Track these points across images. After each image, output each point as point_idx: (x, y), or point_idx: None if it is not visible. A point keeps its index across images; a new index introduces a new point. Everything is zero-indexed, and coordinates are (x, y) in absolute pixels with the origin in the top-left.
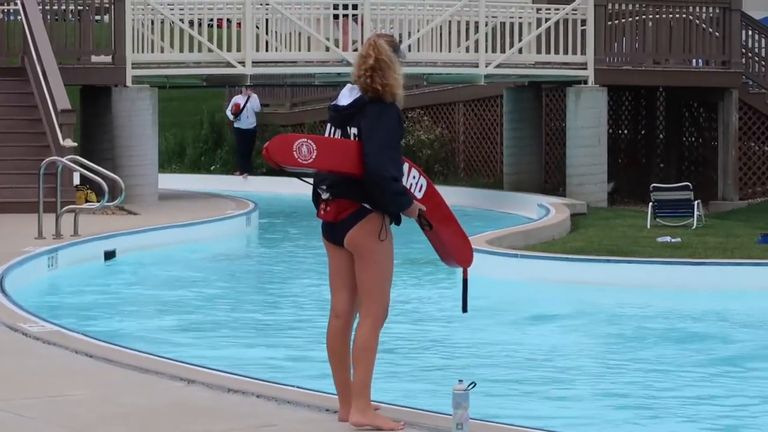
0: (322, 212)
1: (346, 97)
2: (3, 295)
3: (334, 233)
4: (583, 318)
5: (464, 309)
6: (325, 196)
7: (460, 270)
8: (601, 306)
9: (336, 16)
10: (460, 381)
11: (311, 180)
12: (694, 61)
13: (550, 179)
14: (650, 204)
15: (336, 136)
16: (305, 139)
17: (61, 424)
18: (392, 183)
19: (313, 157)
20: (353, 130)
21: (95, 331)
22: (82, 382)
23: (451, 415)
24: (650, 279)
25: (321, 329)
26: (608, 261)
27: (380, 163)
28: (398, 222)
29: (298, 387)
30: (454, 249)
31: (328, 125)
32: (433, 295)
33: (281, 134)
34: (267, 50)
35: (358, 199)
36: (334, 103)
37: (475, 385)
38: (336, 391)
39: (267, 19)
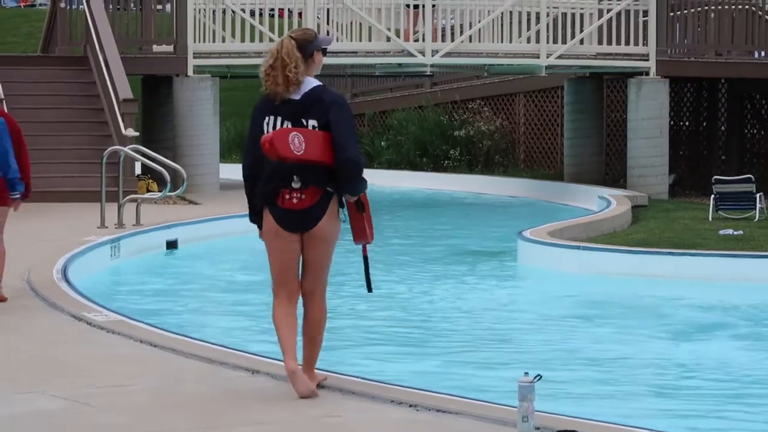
0: (294, 200)
1: (295, 91)
2: (67, 284)
3: (301, 220)
4: (645, 311)
5: (369, 288)
6: (297, 185)
7: (362, 253)
8: (665, 298)
9: (407, 5)
10: (526, 373)
11: None
12: (756, 52)
13: (611, 171)
14: (712, 196)
15: (286, 127)
16: (295, 132)
17: (122, 413)
18: (362, 169)
19: (303, 148)
20: (312, 122)
21: (158, 321)
22: (145, 371)
23: (516, 407)
24: (713, 271)
25: (383, 319)
26: (671, 254)
27: (355, 152)
28: (361, 208)
29: (361, 377)
30: (369, 228)
31: (271, 117)
32: (489, 286)
33: (277, 129)
34: None
35: (323, 186)
36: (287, 97)
37: (541, 377)
38: (285, 353)
39: (328, 9)
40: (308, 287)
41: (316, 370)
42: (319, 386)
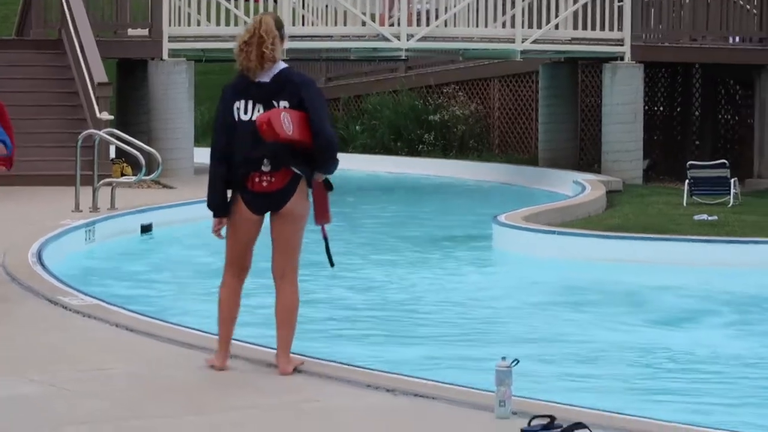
0: (264, 183)
1: (263, 75)
2: (42, 268)
3: (271, 202)
4: (622, 296)
5: (331, 264)
6: (267, 168)
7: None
8: (641, 284)
9: None
10: (503, 358)
11: None
12: (731, 38)
13: (585, 156)
14: (686, 181)
15: (258, 110)
16: (285, 113)
17: (102, 398)
18: (337, 150)
19: (292, 128)
20: (283, 103)
21: (134, 305)
22: (124, 356)
23: (493, 392)
24: (689, 257)
25: (360, 304)
26: (647, 239)
27: (332, 132)
28: (330, 187)
29: (339, 362)
30: (329, 208)
31: (242, 101)
32: (466, 272)
33: (271, 110)
34: (303, 24)
35: (292, 167)
36: (257, 80)
37: (518, 362)
38: (220, 342)
39: None
40: (279, 269)
41: (292, 355)
42: (296, 370)
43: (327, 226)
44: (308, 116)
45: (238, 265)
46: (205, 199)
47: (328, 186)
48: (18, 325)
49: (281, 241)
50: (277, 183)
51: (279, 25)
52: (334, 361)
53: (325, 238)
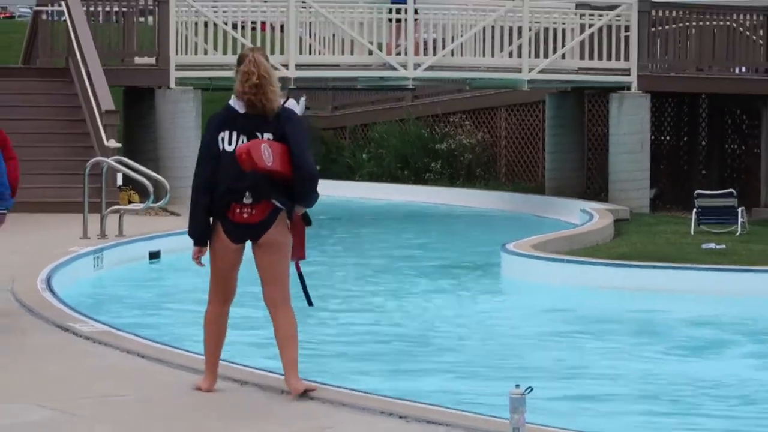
0: (245, 215)
1: (244, 107)
2: (51, 295)
3: (250, 233)
4: (633, 324)
5: (309, 303)
6: (248, 200)
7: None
8: (652, 312)
9: (390, 20)
10: (517, 385)
11: None
12: (737, 68)
13: (592, 185)
14: (694, 210)
15: (241, 141)
16: (265, 144)
17: (114, 423)
18: (317, 183)
19: (272, 159)
20: (267, 135)
21: (143, 332)
22: (133, 382)
23: (507, 419)
24: (698, 285)
25: (372, 333)
26: (656, 267)
27: (313, 166)
28: (308, 222)
29: (351, 389)
30: (304, 244)
31: (227, 132)
32: (476, 300)
33: (251, 141)
34: (310, 53)
35: (273, 200)
36: (243, 112)
37: (532, 389)
38: (207, 365)
39: (310, 23)
40: (270, 299)
41: (306, 381)
42: (308, 395)
43: (302, 263)
44: (290, 149)
45: (222, 293)
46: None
47: (306, 221)
48: (28, 351)
49: (268, 272)
50: (257, 215)
51: (267, 59)
52: (347, 388)
53: (300, 276)
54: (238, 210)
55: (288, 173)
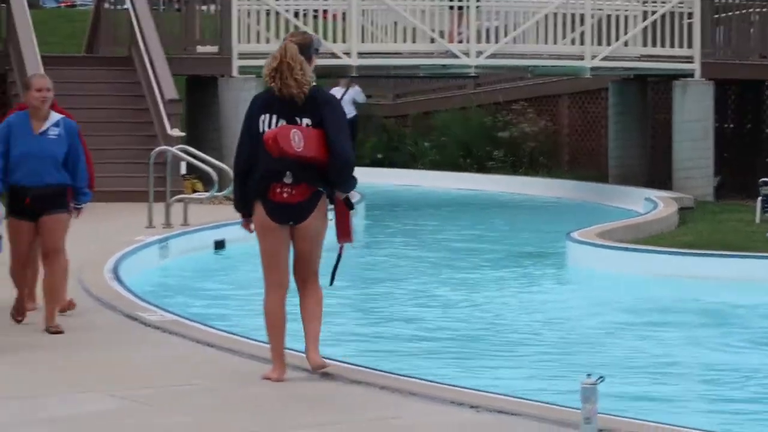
0: (285, 195)
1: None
2: (119, 284)
3: (291, 213)
4: (702, 313)
5: (332, 282)
6: (288, 180)
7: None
8: (720, 301)
9: (451, 8)
10: (588, 375)
11: None
12: None
13: (656, 173)
14: (759, 198)
15: (281, 125)
16: (295, 130)
17: (183, 413)
18: (354, 167)
19: (302, 145)
20: (306, 120)
21: (210, 320)
22: (203, 371)
23: (579, 409)
24: (764, 274)
25: (440, 323)
26: (722, 256)
27: (349, 151)
28: (351, 206)
29: (421, 379)
30: (351, 228)
31: (267, 115)
32: (543, 289)
33: (280, 127)
34: (372, 41)
35: (314, 184)
36: (279, 96)
37: (604, 379)
38: (273, 355)
39: (371, 10)
40: (300, 277)
41: (325, 359)
42: (325, 373)
43: (347, 246)
44: (326, 135)
45: (276, 278)
46: None
47: (348, 205)
48: (97, 340)
49: (301, 254)
50: (297, 196)
51: (304, 48)
52: (416, 378)
53: (339, 258)
54: (278, 189)
55: (323, 158)
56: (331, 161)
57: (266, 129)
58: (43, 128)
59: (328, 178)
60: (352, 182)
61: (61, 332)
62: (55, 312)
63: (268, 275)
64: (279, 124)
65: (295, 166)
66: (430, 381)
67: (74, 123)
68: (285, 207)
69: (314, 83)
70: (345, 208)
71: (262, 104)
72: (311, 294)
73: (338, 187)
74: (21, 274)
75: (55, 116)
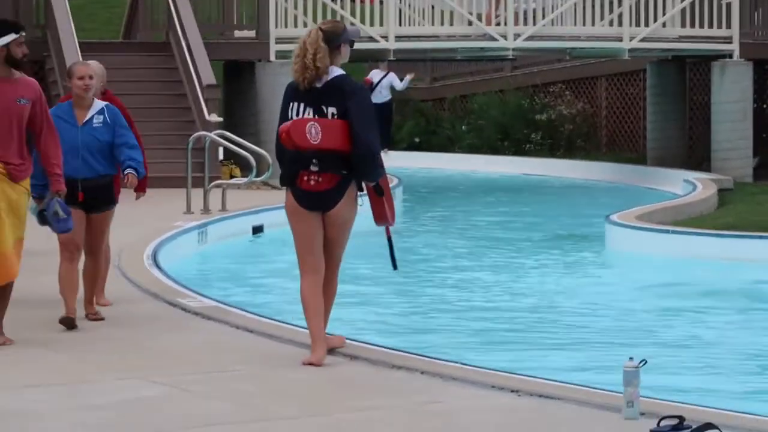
0: (312, 183)
1: (317, 80)
2: (158, 270)
3: (318, 201)
4: (745, 295)
5: (394, 266)
6: (315, 168)
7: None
8: (760, 282)
9: None
10: (631, 358)
11: None
12: None
13: (694, 154)
14: None
15: (308, 114)
16: (312, 122)
17: (225, 399)
18: (379, 158)
19: (320, 137)
20: (331, 110)
21: (250, 306)
22: (243, 356)
23: (621, 392)
24: None
25: (480, 307)
26: (763, 237)
27: (373, 141)
28: (380, 192)
29: (462, 363)
30: (390, 210)
31: (295, 103)
32: (582, 273)
33: (294, 119)
34: (409, 24)
35: (340, 172)
36: (308, 84)
37: (646, 362)
38: (312, 338)
39: None
40: (323, 262)
41: (333, 335)
42: (334, 350)
43: (392, 228)
44: (350, 125)
45: (309, 263)
46: None
47: (378, 191)
48: (138, 326)
49: (327, 241)
50: (324, 184)
51: (331, 36)
52: (456, 362)
53: (389, 239)
54: (305, 177)
55: (345, 149)
56: (354, 152)
57: (293, 116)
58: (87, 117)
59: (353, 168)
60: (377, 172)
61: (101, 319)
62: (95, 299)
63: (302, 260)
64: (306, 112)
65: (320, 154)
66: (471, 365)
67: (116, 109)
68: (313, 195)
69: (341, 72)
70: (375, 195)
71: (291, 92)
72: (334, 284)
73: (362, 177)
74: (67, 268)
75: (99, 104)
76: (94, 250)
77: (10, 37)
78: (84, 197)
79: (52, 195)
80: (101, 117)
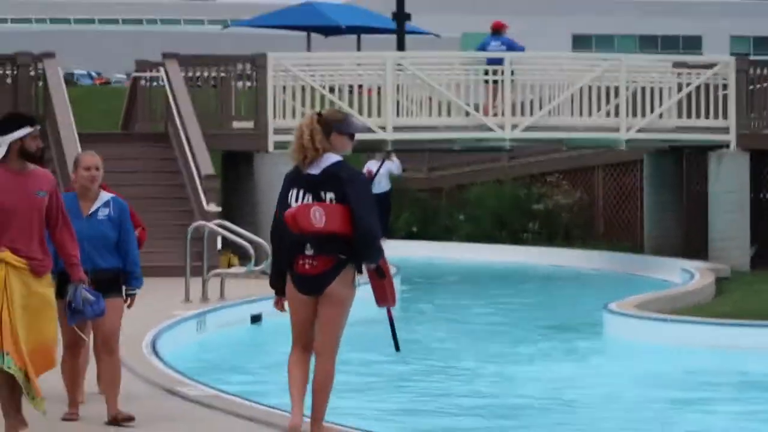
0: (307, 266)
1: (314, 167)
2: (157, 359)
3: (313, 284)
4: (751, 385)
5: (397, 348)
6: (310, 252)
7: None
8: (760, 371)
9: (486, 81)
10: None
11: None
12: None
13: (691, 243)
14: None
15: (307, 200)
16: (316, 207)
17: None
18: (378, 239)
19: (324, 221)
20: (329, 195)
21: (249, 395)
22: None
23: None
24: None
25: (472, 395)
26: (762, 326)
27: (372, 225)
28: (381, 275)
29: None
30: (390, 293)
31: (295, 189)
32: (582, 363)
33: (300, 204)
34: (407, 116)
35: (335, 254)
36: (306, 172)
37: None
38: (293, 405)
39: (406, 85)
40: (319, 346)
41: (326, 424)
42: None
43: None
44: (350, 210)
45: (302, 342)
46: None
47: (379, 274)
48: (140, 418)
49: (323, 321)
50: (319, 267)
51: (326, 121)
52: None
53: (391, 321)
54: (301, 261)
55: (347, 232)
56: (356, 235)
57: (293, 203)
58: (92, 209)
59: (353, 250)
60: (377, 253)
61: (132, 418)
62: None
63: (295, 338)
64: (305, 198)
65: (316, 238)
66: None
67: (124, 203)
68: (308, 278)
69: (338, 159)
70: (376, 277)
71: (290, 180)
72: (323, 370)
73: (365, 260)
74: (72, 364)
75: (105, 196)
76: (109, 346)
77: (25, 131)
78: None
79: (75, 285)
80: (107, 210)
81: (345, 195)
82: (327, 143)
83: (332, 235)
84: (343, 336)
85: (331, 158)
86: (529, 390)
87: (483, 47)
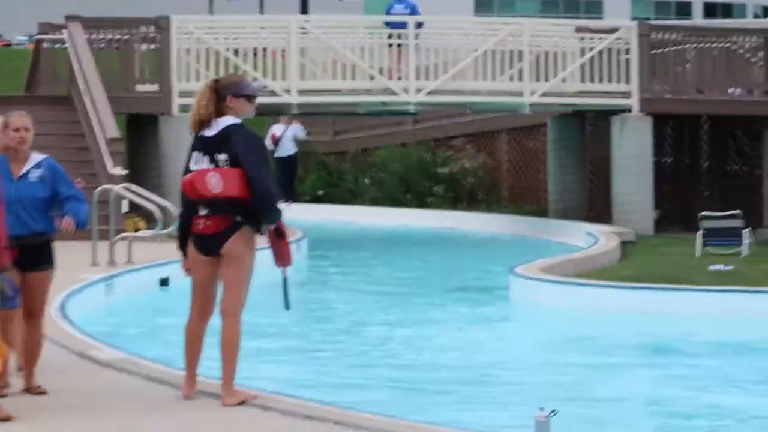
0: (201, 226)
1: (211, 129)
2: (68, 323)
3: (210, 244)
4: (648, 347)
5: (287, 306)
6: (203, 212)
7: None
8: (663, 334)
9: (390, 45)
10: (541, 409)
11: None
12: (735, 89)
13: (595, 207)
14: (699, 232)
15: (204, 163)
16: (213, 172)
17: None
18: (276, 200)
19: (221, 186)
20: (221, 156)
21: (159, 357)
22: (158, 408)
23: None
24: (707, 308)
25: (383, 360)
26: (665, 289)
27: (269, 186)
28: (280, 235)
29: (375, 414)
30: (287, 253)
31: (194, 152)
32: (487, 325)
33: (196, 170)
34: (311, 79)
35: (230, 215)
36: (200, 134)
37: (556, 412)
38: (186, 374)
39: (311, 48)
40: (223, 306)
41: (242, 388)
42: (244, 403)
43: (289, 268)
44: (244, 172)
45: (198, 306)
46: None
47: (279, 234)
48: (49, 381)
49: (225, 282)
50: (212, 227)
51: (221, 86)
52: (368, 413)
53: (284, 280)
54: (197, 221)
55: (244, 196)
56: (252, 196)
57: (191, 165)
58: (23, 171)
59: (251, 212)
60: (275, 214)
61: (44, 393)
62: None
63: (193, 303)
64: (203, 160)
65: (216, 201)
66: (384, 416)
67: (56, 163)
68: (204, 238)
69: (234, 122)
70: (275, 237)
71: (192, 143)
72: (228, 330)
73: (264, 220)
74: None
75: (36, 157)
76: (34, 313)
77: None
78: (18, 255)
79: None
80: (38, 171)
81: (237, 157)
82: (218, 106)
83: (233, 199)
84: (252, 299)
85: (228, 120)
86: (430, 355)
87: (388, 11)
